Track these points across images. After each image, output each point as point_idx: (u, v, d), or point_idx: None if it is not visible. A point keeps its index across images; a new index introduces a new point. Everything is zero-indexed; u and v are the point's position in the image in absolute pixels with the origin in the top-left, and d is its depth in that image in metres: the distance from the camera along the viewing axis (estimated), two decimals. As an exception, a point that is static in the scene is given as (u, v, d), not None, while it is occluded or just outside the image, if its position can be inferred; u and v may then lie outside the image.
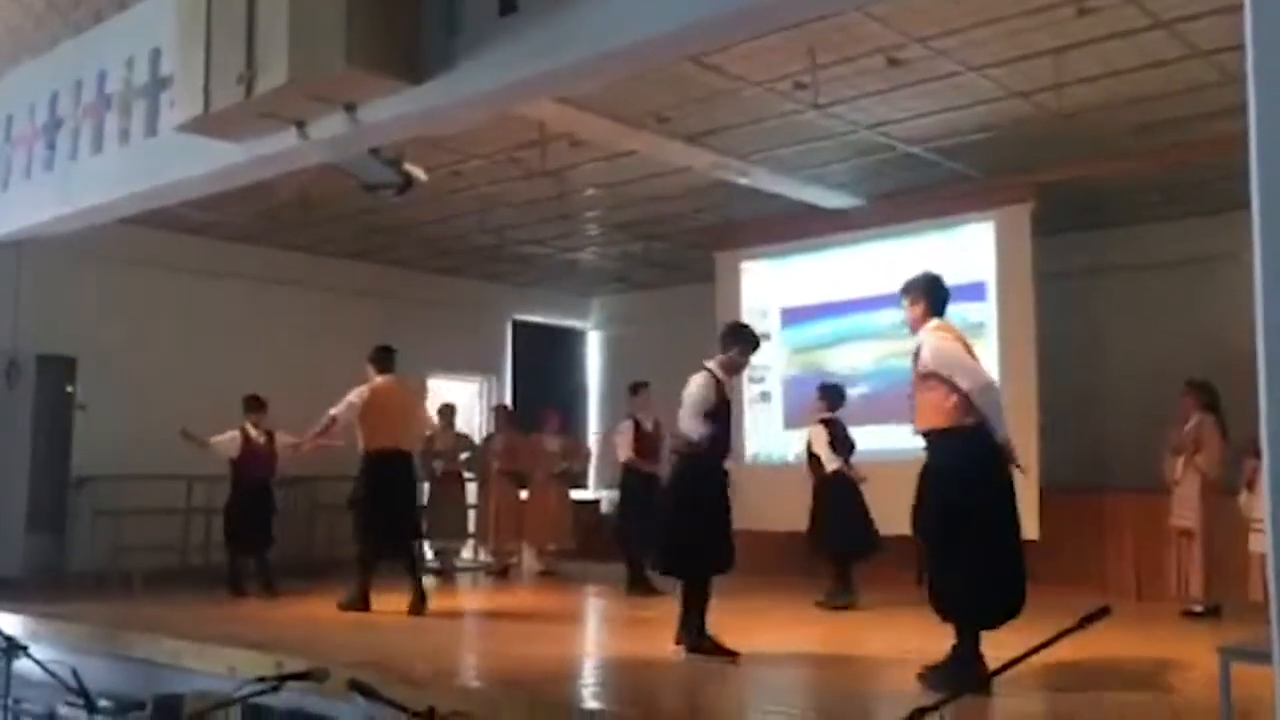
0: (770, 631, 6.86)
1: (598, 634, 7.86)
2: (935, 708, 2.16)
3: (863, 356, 10.08)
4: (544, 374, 13.63)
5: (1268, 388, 2.69)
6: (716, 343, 6.22)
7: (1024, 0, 5.87)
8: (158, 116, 6.65)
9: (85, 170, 7.28)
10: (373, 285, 12.02)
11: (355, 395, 7.89)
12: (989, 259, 9.23)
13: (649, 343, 13.07)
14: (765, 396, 10.81)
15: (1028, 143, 8.07)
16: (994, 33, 6.27)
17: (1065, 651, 2.58)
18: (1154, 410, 8.37)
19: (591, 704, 4.79)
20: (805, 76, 6.91)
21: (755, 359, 6.42)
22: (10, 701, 5.30)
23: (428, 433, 8.20)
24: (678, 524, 5.81)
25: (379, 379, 8.03)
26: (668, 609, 8.38)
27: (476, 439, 11.60)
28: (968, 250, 9.25)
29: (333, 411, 7.85)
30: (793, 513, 8.54)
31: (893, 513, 8.52)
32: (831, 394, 8.49)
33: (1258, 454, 2.84)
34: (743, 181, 8.94)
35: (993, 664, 2.52)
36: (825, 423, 8.31)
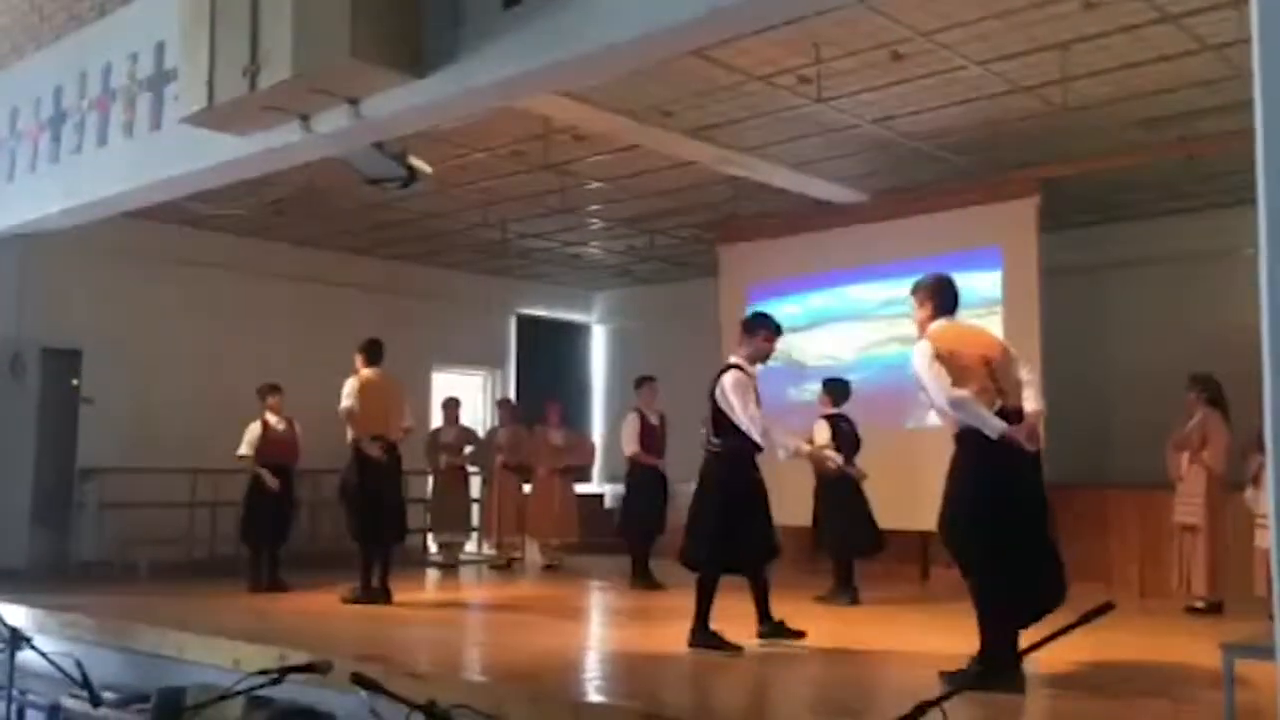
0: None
1: (601, 627, 7.86)
2: (936, 702, 2.15)
3: (843, 344, 10.03)
4: (548, 368, 13.64)
5: (1272, 383, 2.68)
6: (739, 335, 6.22)
7: (1030, -7, 5.86)
8: (162, 110, 6.65)
9: (90, 163, 7.29)
10: (377, 279, 12.03)
11: (352, 386, 7.96)
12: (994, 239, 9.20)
13: (653, 336, 13.09)
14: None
15: (1033, 137, 8.05)
16: (999, 26, 6.25)
17: (1067, 648, 2.57)
18: (1158, 406, 8.35)
19: (594, 697, 4.80)
20: (809, 70, 6.90)
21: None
22: (15, 693, 5.32)
23: (409, 424, 8.19)
24: (695, 518, 5.86)
25: (366, 371, 8.08)
26: (671, 602, 8.43)
27: (481, 433, 11.61)
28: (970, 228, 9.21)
29: (348, 404, 7.90)
30: (791, 509, 8.52)
31: (892, 509, 8.59)
32: (835, 389, 8.47)
33: (1263, 449, 2.83)
34: (746, 176, 8.94)
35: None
36: (829, 419, 8.29)
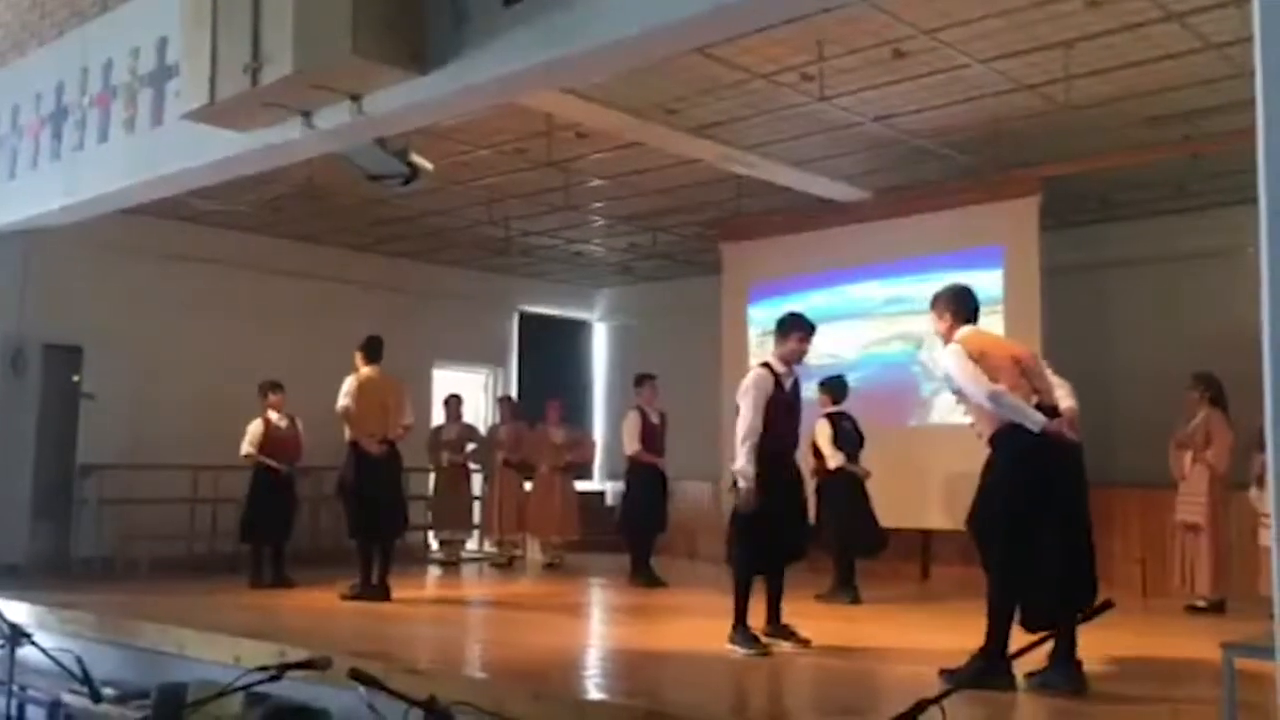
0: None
1: (602, 624, 7.86)
2: (936, 700, 2.15)
3: (846, 343, 10.02)
4: (550, 365, 13.63)
5: (1273, 381, 2.67)
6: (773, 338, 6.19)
7: (1033, -9, 5.84)
8: (164, 106, 6.64)
9: (91, 160, 7.29)
10: (379, 276, 12.02)
11: (350, 384, 7.95)
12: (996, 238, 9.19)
13: (654, 334, 13.09)
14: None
15: (1036, 136, 8.04)
16: (1002, 25, 6.24)
17: (1068, 646, 2.56)
18: (1160, 404, 8.34)
19: (596, 694, 4.80)
20: (812, 68, 6.89)
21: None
22: (15, 689, 5.33)
23: (408, 421, 8.20)
24: (733, 518, 5.84)
25: (365, 369, 8.07)
26: (671, 599, 8.43)
27: (482, 430, 11.61)
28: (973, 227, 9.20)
29: (345, 402, 7.89)
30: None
31: (894, 508, 8.59)
32: (833, 387, 8.47)
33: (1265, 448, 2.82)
34: (749, 173, 8.93)
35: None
36: (829, 417, 8.29)
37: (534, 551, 11.29)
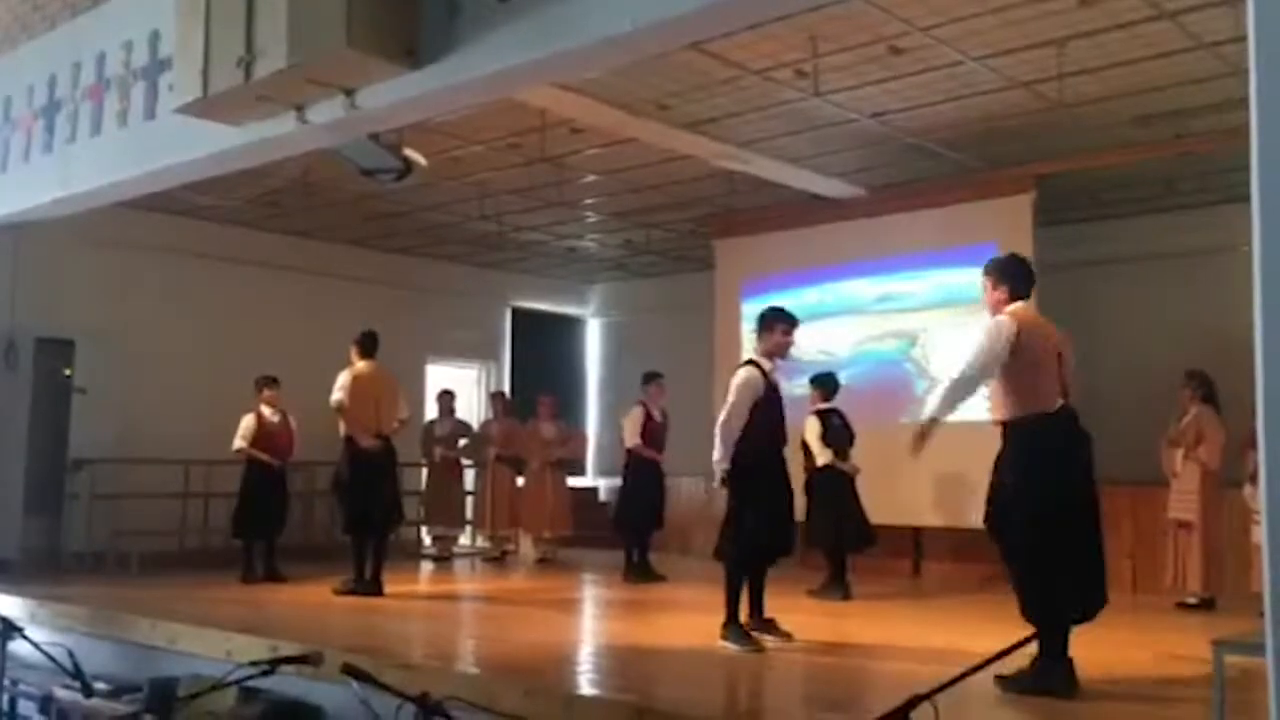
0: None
1: (594, 620, 7.87)
2: (927, 696, 2.16)
3: (839, 339, 10.03)
4: (543, 361, 13.63)
5: (1265, 380, 2.68)
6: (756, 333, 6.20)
7: (1027, -11, 5.85)
8: (156, 99, 6.63)
9: (83, 153, 7.26)
10: (372, 271, 12.00)
11: (344, 379, 7.93)
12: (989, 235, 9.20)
13: (648, 330, 13.09)
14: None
15: (1029, 133, 8.05)
16: (996, 22, 6.25)
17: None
18: (1151, 402, 8.37)
19: (587, 690, 4.80)
20: (806, 65, 6.89)
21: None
22: (7, 683, 5.32)
23: (404, 415, 8.20)
24: (728, 514, 5.85)
25: (361, 364, 8.05)
26: (664, 595, 8.44)
27: (475, 426, 11.61)
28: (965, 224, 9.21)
29: (338, 397, 7.87)
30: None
31: (884, 504, 8.60)
32: (824, 383, 8.49)
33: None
34: (743, 170, 8.93)
35: (976, 659, 2.51)
36: (819, 414, 8.30)
37: (526, 547, 11.30)
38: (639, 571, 9.15)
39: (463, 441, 11.18)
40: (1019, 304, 4.84)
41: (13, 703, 6.02)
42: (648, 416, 9.35)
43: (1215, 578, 7.62)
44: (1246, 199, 2.80)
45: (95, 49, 7.17)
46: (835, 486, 8.13)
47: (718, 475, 5.75)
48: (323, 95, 5.60)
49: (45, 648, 4.41)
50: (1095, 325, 9.87)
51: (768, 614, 5.94)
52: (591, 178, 9.58)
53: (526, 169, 9.16)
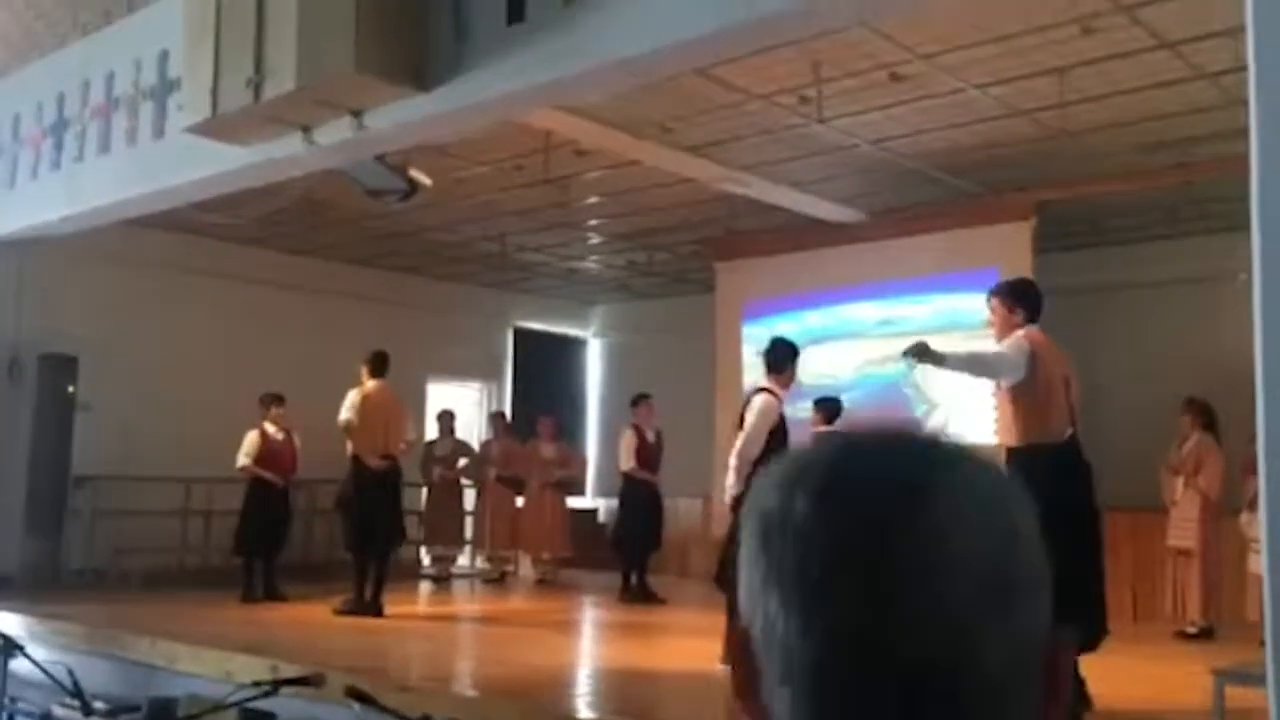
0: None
1: (593, 642, 7.86)
2: None
3: (840, 363, 10.04)
4: (544, 381, 13.64)
5: (1265, 408, 2.70)
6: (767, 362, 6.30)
7: (1028, 19, 5.89)
8: (165, 119, 6.67)
9: (92, 171, 7.31)
10: (375, 290, 12.03)
11: (353, 398, 7.94)
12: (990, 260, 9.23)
13: (650, 351, 13.10)
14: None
15: (1030, 160, 8.09)
16: (998, 50, 6.29)
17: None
18: (1150, 429, 8.37)
19: (585, 713, 4.80)
20: (809, 90, 6.93)
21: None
22: (6, 701, 5.30)
23: (411, 437, 8.22)
24: (728, 538, 5.86)
25: (369, 384, 8.06)
26: (663, 618, 8.43)
27: (475, 445, 11.61)
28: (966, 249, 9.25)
29: (347, 416, 7.88)
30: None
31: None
32: (829, 408, 8.48)
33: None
34: (744, 193, 8.97)
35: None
36: (819, 438, 8.29)
37: (525, 568, 11.28)
38: (637, 594, 9.14)
39: (463, 461, 11.18)
40: (1032, 328, 4.85)
41: (11, 720, 6.01)
42: (640, 438, 9.37)
43: (1214, 606, 7.60)
44: (1247, 227, 2.83)
45: (105, 68, 7.22)
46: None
47: (728, 500, 5.76)
48: (330, 116, 5.65)
49: (45, 666, 4.41)
50: (1095, 351, 9.87)
51: None
52: (594, 199, 9.62)
53: (530, 190, 9.20)
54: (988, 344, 4.78)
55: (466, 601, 9.92)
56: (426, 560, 11.46)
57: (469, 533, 11.43)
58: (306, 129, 5.81)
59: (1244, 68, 2.95)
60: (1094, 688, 5.08)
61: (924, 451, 0.70)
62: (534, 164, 8.49)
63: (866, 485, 0.67)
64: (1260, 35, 2.86)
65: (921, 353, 4.71)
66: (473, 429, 12.68)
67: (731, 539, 5.71)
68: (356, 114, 5.57)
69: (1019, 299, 4.93)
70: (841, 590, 0.65)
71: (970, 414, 7.96)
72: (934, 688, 0.64)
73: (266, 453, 8.69)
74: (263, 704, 3.57)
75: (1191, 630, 7.59)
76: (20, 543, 8.87)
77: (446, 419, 11.28)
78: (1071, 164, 8.11)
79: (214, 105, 5.68)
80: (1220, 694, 3.58)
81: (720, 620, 5.81)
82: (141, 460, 9.60)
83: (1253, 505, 7.05)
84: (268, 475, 8.62)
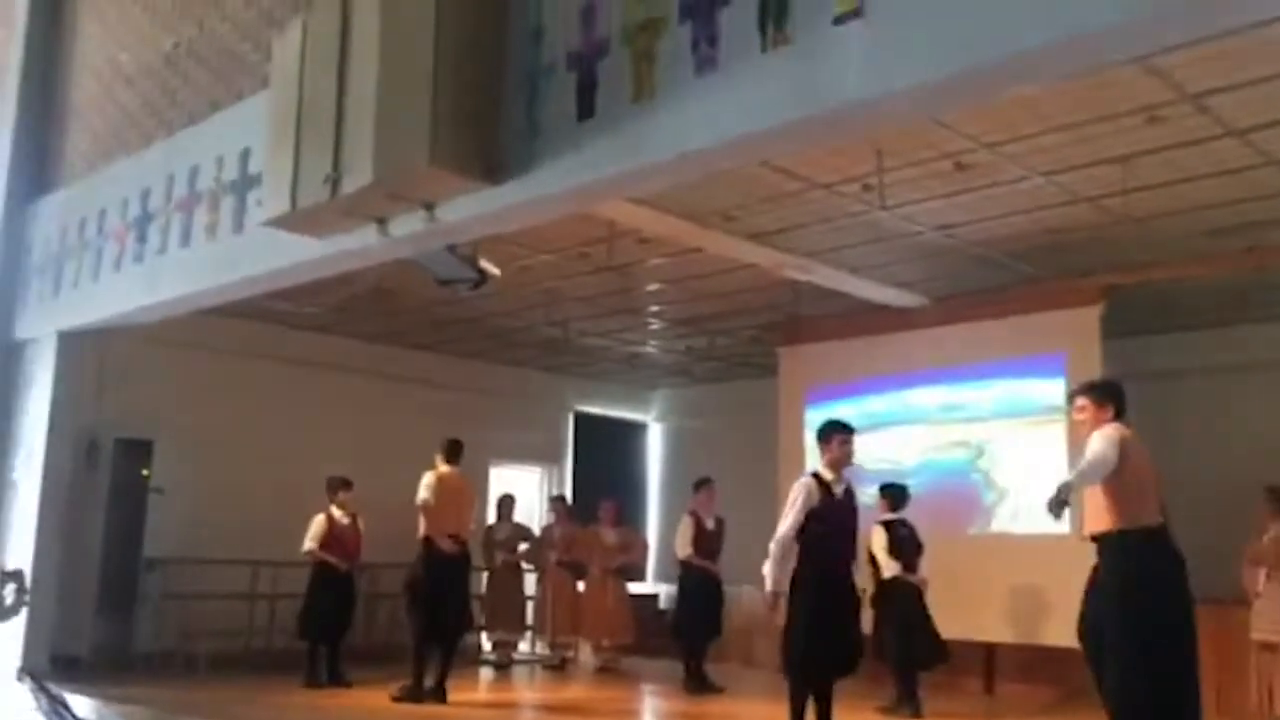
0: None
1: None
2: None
3: (903, 449, 9.92)
4: (605, 465, 13.64)
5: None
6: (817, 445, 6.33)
7: (1093, 108, 5.92)
8: (244, 213, 6.87)
9: (172, 263, 7.53)
10: (440, 375, 12.20)
11: (430, 479, 8.01)
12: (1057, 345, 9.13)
13: (711, 436, 13.07)
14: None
15: (1096, 246, 8.05)
16: (1062, 139, 6.32)
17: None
18: (1228, 518, 8.13)
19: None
20: (872, 179, 6.99)
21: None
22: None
23: (474, 526, 8.28)
24: (787, 625, 5.86)
25: (444, 468, 8.14)
26: (724, 707, 8.27)
27: (536, 530, 11.61)
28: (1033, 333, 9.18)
29: (425, 495, 7.95)
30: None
31: (955, 619, 8.39)
32: (894, 494, 8.39)
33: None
34: (807, 279, 9.00)
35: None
36: (885, 525, 8.19)
37: (586, 654, 11.17)
38: (696, 682, 9.00)
39: (523, 545, 11.17)
40: (1123, 425, 5.01)
41: (79, 803, 6.05)
42: (698, 526, 9.30)
43: (1303, 702, 7.31)
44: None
45: (188, 164, 7.49)
46: (903, 599, 7.97)
47: (768, 588, 5.72)
48: (404, 209, 5.79)
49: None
50: (1168, 438, 9.64)
51: None
52: (656, 285, 9.72)
53: (593, 277, 9.33)
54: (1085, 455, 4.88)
55: (527, 689, 9.84)
56: (488, 646, 11.40)
57: (530, 618, 11.36)
58: (380, 221, 5.96)
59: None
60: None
61: None
62: (597, 252, 8.62)
63: None
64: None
65: (1062, 502, 4.77)
66: (533, 513, 12.70)
67: (789, 627, 5.67)
68: (429, 207, 5.70)
69: (1111, 396, 5.15)
70: None
71: (1037, 504, 7.82)
72: None
73: (332, 537, 8.75)
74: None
75: (1279, 728, 7.30)
76: (91, 624, 8.98)
77: (507, 503, 11.30)
78: (1138, 249, 8.05)
79: (293, 200, 5.84)
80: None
81: (784, 711, 5.72)
82: (210, 543, 9.72)
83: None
84: (332, 559, 8.67)
